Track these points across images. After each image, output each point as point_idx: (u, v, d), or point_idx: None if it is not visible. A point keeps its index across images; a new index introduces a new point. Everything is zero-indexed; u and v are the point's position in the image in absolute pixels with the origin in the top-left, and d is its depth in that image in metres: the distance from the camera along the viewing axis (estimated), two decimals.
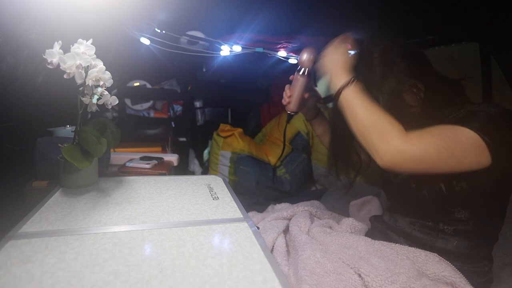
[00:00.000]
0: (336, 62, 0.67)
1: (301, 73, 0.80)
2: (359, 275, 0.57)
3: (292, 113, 0.86)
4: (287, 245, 0.74)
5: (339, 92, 0.64)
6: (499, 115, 0.57)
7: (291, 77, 0.83)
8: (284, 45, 1.26)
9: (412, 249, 0.63)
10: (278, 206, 1.00)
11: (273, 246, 0.73)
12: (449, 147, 0.54)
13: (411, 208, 0.71)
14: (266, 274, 0.43)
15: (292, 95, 0.82)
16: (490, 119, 0.57)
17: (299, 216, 0.82)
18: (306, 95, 0.84)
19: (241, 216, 0.62)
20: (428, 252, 0.61)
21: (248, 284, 0.41)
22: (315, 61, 0.76)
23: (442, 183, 0.62)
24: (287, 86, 0.84)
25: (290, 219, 0.83)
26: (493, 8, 0.86)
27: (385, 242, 0.66)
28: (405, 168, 0.56)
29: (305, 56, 0.77)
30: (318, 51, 0.75)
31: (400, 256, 0.60)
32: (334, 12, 0.99)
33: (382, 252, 0.61)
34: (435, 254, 0.61)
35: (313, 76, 0.82)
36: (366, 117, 0.60)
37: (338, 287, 0.55)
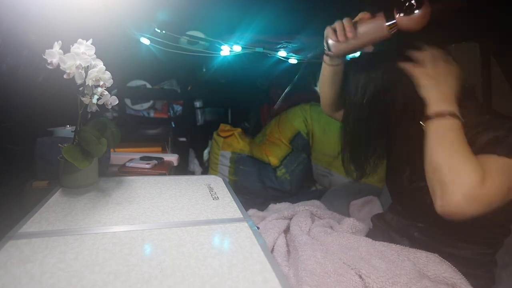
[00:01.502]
0: (446, 81, 0.56)
1: (388, 23, 0.55)
2: (360, 276, 0.57)
3: (333, 58, 0.68)
4: (287, 245, 0.74)
5: (432, 116, 0.55)
6: None
7: (365, 17, 0.60)
8: (284, 45, 1.26)
9: (413, 250, 0.63)
10: (278, 205, 1.00)
11: (273, 246, 0.73)
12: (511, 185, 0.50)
13: (421, 213, 0.68)
14: (266, 274, 0.43)
15: (357, 37, 0.60)
16: None
17: (300, 215, 0.81)
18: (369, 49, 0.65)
19: (241, 216, 0.62)
20: (429, 253, 0.61)
21: (248, 284, 0.41)
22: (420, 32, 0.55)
23: None
24: (348, 20, 0.61)
25: (290, 219, 0.83)
26: (493, 8, 0.86)
27: (386, 243, 0.66)
28: (468, 213, 0.49)
29: (416, 12, 0.52)
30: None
31: (401, 257, 0.60)
32: (334, 12, 0.99)
33: (383, 253, 0.61)
34: (436, 255, 0.61)
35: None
36: (449, 156, 0.52)
37: None
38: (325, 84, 0.83)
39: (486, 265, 0.63)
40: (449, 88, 0.56)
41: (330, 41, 0.63)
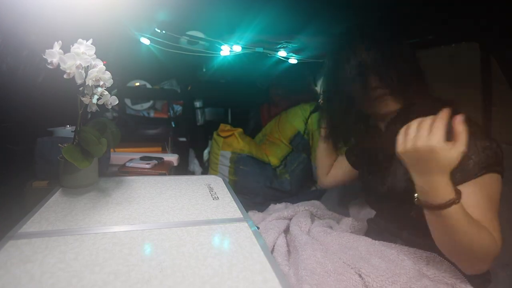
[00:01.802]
0: (446, 166, 0.50)
1: None
2: (360, 275, 0.57)
3: None
4: (287, 245, 0.74)
5: (445, 205, 0.51)
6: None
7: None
8: (284, 45, 1.26)
9: (413, 249, 0.63)
10: (278, 205, 1.00)
11: (273, 246, 0.73)
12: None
13: (401, 218, 0.69)
14: (266, 274, 0.43)
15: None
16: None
17: (299, 216, 0.82)
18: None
19: (241, 216, 0.62)
20: (429, 252, 0.61)
21: (248, 284, 0.41)
22: None
23: None
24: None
25: (290, 219, 0.83)
26: (493, 8, 0.86)
27: (385, 242, 0.66)
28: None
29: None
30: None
31: (400, 256, 0.60)
32: (333, 12, 0.99)
33: (382, 252, 0.61)
34: (436, 254, 0.61)
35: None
36: (468, 238, 0.51)
37: (338, 287, 0.55)
38: (323, 156, 0.93)
39: None
40: (441, 171, 0.50)
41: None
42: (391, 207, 0.71)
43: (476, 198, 0.56)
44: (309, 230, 0.76)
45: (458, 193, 0.51)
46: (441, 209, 0.50)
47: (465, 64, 1.17)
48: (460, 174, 0.56)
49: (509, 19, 0.85)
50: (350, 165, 0.89)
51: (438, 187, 0.50)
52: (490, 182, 0.57)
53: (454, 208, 0.50)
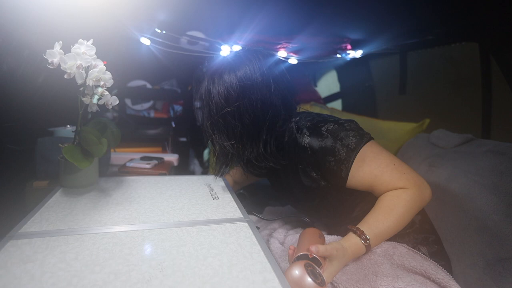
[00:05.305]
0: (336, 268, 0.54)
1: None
2: (331, 283, 0.56)
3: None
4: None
5: (367, 245, 0.56)
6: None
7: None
8: (284, 45, 1.26)
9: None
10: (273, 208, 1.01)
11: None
12: None
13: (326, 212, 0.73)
14: (266, 274, 0.43)
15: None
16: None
17: (276, 225, 0.83)
18: None
19: (241, 216, 0.62)
20: (396, 243, 0.61)
21: (248, 284, 0.41)
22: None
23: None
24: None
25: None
26: (493, 8, 0.86)
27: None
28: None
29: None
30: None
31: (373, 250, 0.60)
32: (333, 12, 0.99)
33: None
34: (404, 245, 0.61)
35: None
36: (398, 224, 0.58)
37: None
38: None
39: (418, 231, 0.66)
40: (337, 264, 0.54)
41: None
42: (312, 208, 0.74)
43: (369, 170, 0.60)
44: (284, 240, 0.76)
45: (359, 231, 0.56)
46: (370, 247, 0.56)
47: (465, 64, 1.17)
48: (344, 166, 0.61)
49: (509, 19, 0.85)
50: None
51: (351, 256, 0.56)
52: (366, 151, 0.61)
53: (371, 236, 0.56)
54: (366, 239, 0.55)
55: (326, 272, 0.52)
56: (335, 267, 0.53)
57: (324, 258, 0.53)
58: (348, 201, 0.68)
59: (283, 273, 0.44)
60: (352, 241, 0.56)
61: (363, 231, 0.56)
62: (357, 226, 0.57)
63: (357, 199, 0.68)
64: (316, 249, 0.50)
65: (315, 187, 0.67)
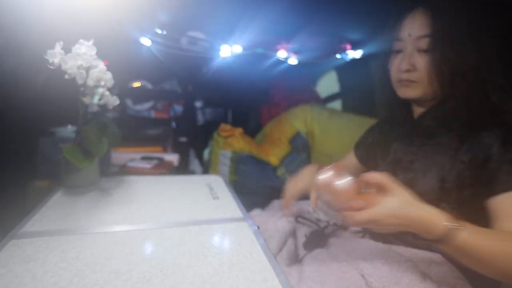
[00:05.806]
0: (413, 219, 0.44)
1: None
2: (362, 276, 0.57)
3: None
4: (296, 247, 0.74)
5: (449, 239, 0.44)
6: None
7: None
8: (284, 46, 1.27)
9: (416, 250, 0.63)
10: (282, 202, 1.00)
11: (282, 248, 0.72)
12: None
13: None
14: (266, 274, 0.43)
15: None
16: None
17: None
18: None
19: (241, 215, 0.62)
20: (432, 253, 0.61)
21: (248, 283, 0.41)
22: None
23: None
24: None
25: (296, 217, 0.82)
26: (493, 8, 0.86)
27: (389, 244, 0.66)
28: None
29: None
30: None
31: (403, 258, 0.60)
32: (333, 11, 1.00)
33: (385, 253, 0.61)
34: (439, 255, 0.60)
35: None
36: (498, 261, 0.45)
37: (341, 285, 0.55)
38: None
39: None
40: (419, 216, 0.44)
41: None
42: None
43: None
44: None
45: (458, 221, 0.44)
46: (443, 242, 0.45)
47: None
48: (500, 184, 0.50)
49: (509, 19, 0.85)
50: (356, 161, 0.82)
51: (422, 226, 0.45)
52: None
53: (461, 235, 0.43)
54: (455, 226, 0.42)
55: (375, 206, 0.42)
56: (390, 207, 0.43)
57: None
58: (440, 195, 0.58)
59: (283, 273, 0.44)
60: (433, 211, 0.44)
61: (460, 222, 0.43)
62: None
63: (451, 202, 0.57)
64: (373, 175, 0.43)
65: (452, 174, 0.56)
